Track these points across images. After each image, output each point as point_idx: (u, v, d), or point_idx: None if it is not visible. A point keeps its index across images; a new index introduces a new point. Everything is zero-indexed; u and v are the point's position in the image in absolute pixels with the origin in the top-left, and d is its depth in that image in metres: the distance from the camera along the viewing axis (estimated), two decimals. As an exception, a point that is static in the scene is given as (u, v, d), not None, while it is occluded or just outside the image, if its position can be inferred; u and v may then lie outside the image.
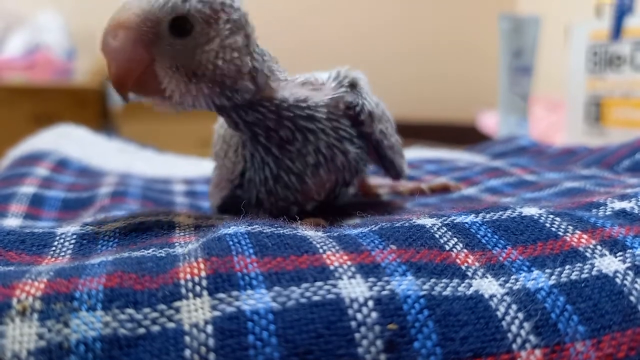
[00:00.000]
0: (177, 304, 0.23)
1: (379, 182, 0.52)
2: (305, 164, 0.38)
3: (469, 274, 0.26)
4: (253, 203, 0.40)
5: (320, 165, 0.38)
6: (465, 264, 0.27)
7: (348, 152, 0.39)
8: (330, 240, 0.28)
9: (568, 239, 0.29)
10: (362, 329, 0.22)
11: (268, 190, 0.39)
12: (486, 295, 0.25)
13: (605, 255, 0.27)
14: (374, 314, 0.23)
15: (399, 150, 0.44)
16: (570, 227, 0.29)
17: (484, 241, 0.29)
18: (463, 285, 0.25)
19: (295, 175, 0.38)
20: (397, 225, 0.30)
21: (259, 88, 0.36)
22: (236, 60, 0.35)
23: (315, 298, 0.23)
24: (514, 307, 0.24)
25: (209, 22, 0.34)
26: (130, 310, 0.22)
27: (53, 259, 0.30)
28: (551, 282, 0.26)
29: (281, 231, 0.29)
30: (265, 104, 0.37)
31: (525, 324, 0.23)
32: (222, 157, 0.42)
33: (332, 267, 0.25)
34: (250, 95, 0.36)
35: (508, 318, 0.23)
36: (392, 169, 0.44)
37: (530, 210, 0.32)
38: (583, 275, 0.26)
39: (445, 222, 0.30)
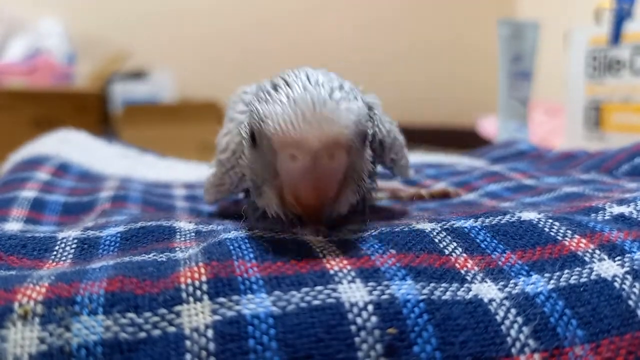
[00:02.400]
0: (177, 308, 0.23)
1: (379, 186, 0.52)
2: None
3: (468, 278, 0.26)
4: (259, 215, 0.40)
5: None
6: (465, 269, 0.27)
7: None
8: (330, 245, 0.28)
9: (567, 243, 0.29)
10: (362, 333, 0.22)
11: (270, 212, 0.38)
12: (485, 300, 0.25)
13: (604, 259, 0.27)
14: (373, 318, 0.23)
15: (406, 166, 0.42)
16: (569, 232, 0.30)
17: (483, 245, 0.29)
18: (462, 289, 0.25)
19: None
20: (396, 229, 0.30)
21: None
22: (371, 161, 0.33)
23: (315, 302, 0.23)
24: (513, 311, 0.24)
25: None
26: (131, 315, 0.23)
27: (54, 264, 0.31)
28: (550, 286, 0.26)
29: (281, 236, 0.29)
30: None
31: (525, 328, 0.23)
32: (228, 168, 0.42)
33: (332, 272, 0.25)
34: None
35: (507, 322, 0.24)
36: (397, 177, 0.43)
37: (529, 215, 0.32)
38: (582, 280, 0.26)
39: (445, 227, 0.30)
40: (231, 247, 0.27)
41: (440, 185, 0.55)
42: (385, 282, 0.25)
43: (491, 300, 0.25)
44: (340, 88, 0.28)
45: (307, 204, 0.28)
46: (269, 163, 0.29)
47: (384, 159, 0.39)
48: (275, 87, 0.28)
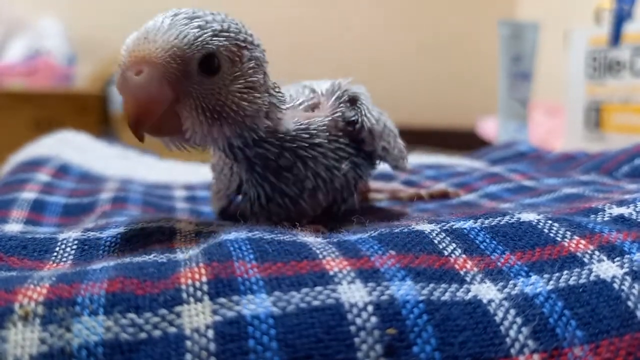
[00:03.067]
0: (178, 308, 0.23)
1: (379, 186, 0.52)
2: (302, 188, 0.37)
3: (468, 279, 0.26)
4: (248, 214, 0.40)
5: (319, 188, 0.38)
6: (464, 269, 0.27)
7: (347, 172, 0.39)
8: (330, 245, 0.28)
9: (566, 244, 0.29)
10: (362, 333, 0.22)
11: (261, 205, 0.38)
12: (485, 300, 0.25)
13: (603, 260, 0.27)
14: (373, 319, 0.23)
15: (402, 156, 0.43)
16: (569, 233, 0.30)
17: (482, 246, 0.29)
18: (462, 290, 0.25)
19: (289, 197, 0.38)
20: (396, 230, 0.30)
21: (272, 123, 0.35)
22: (258, 100, 0.34)
23: (315, 303, 0.23)
24: (512, 312, 0.24)
25: (234, 60, 0.33)
26: (131, 315, 0.23)
27: (55, 265, 0.31)
28: (549, 287, 0.26)
29: (281, 237, 0.29)
30: (269, 140, 0.35)
31: (524, 329, 0.23)
32: (219, 171, 0.42)
33: (331, 273, 0.25)
34: (264, 132, 0.35)
35: (506, 323, 0.24)
36: (394, 169, 0.44)
37: (529, 216, 0.32)
38: (581, 281, 0.26)
39: (444, 228, 0.31)
40: (231, 248, 0.27)
41: (439, 186, 0.55)
42: (385, 283, 0.25)
43: (490, 301, 0.25)
44: (190, 19, 0.31)
45: (127, 116, 0.30)
46: None
47: (375, 147, 0.39)
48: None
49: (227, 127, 0.33)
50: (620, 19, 0.83)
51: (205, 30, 0.31)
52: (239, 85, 0.33)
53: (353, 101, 0.39)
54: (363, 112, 0.39)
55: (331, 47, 1.88)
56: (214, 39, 0.32)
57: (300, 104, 0.38)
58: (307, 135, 0.37)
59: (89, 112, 1.40)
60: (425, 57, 2.03)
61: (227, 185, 0.41)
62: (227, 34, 0.32)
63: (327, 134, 0.37)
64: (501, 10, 1.97)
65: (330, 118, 0.38)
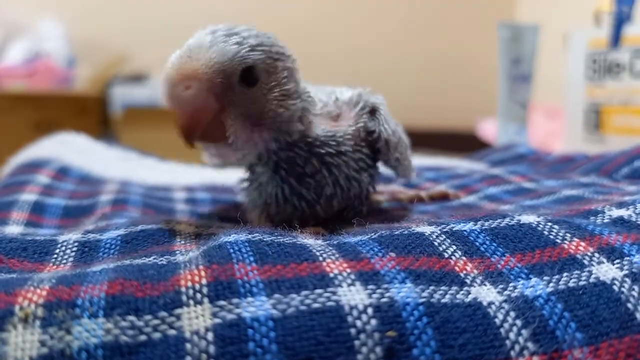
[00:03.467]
0: (178, 311, 0.23)
1: (379, 188, 0.52)
2: (320, 194, 0.39)
3: (468, 281, 0.26)
4: (259, 206, 0.41)
5: (335, 195, 0.39)
6: (464, 272, 0.27)
7: (363, 182, 0.40)
8: (330, 248, 0.28)
9: (566, 246, 0.29)
10: (362, 336, 0.22)
11: (276, 203, 0.40)
12: (485, 303, 0.25)
13: (603, 262, 0.27)
14: (373, 321, 0.23)
15: (410, 168, 0.45)
16: (568, 235, 0.30)
17: (482, 249, 0.29)
18: (462, 292, 0.25)
19: (306, 201, 0.39)
20: (396, 233, 0.30)
21: (304, 127, 0.37)
22: (292, 106, 0.36)
23: (315, 305, 0.23)
24: (512, 314, 0.24)
25: (269, 71, 0.35)
26: (131, 318, 0.23)
27: (55, 267, 0.31)
28: (549, 289, 0.26)
29: (281, 239, 0.29)
30: (299, 144, 0.37)
31: (524, 331, 0.23)
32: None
33: (331, 275, 0.25)
34: (297, 135, 0.37)
35: (506, 325, 0.24)
36: (400, 177, 0.45)
37: (529, 218, 0.32)
38: (581, 283, 0.26)
39: (444, 230, 0.31)
40: (231, 250, 0.27)
41: (439, 188, 0.55)
42: (385, 285, 0.25)
43: (490, 303, 0.25)
44: (228, 36, 0.34)
45: (179, 126, 0.34)
46: None
47: (389, 157, 0.41)
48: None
49: (266, 132, 0.36)
50: (620, 21, 0.83)
51: (243, 46, 0.34)
52: (275, 94, 0.36)
53: (373, 111, 0.41)
54: (381, 123, 0.41)
55: (332, 51, 1.88)
56: (251, 53, 0.34)
57: (328, 113, 0.40)
58: (334, 143, 0.38)
59: (89, 114, 1.40)
60: (425, 59, 2.03)
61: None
62: (262, 47, 0.35)
63: (352, 143, 0.39)
64: (501, 12, 1.97)
65: (354, 128, 0.40)
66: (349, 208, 0.42)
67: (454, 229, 0.31)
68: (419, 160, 0.70)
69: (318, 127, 0.38)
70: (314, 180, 0.39)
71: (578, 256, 0.28)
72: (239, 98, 0.35)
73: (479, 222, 0.32)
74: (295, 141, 0.37)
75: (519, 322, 0.24)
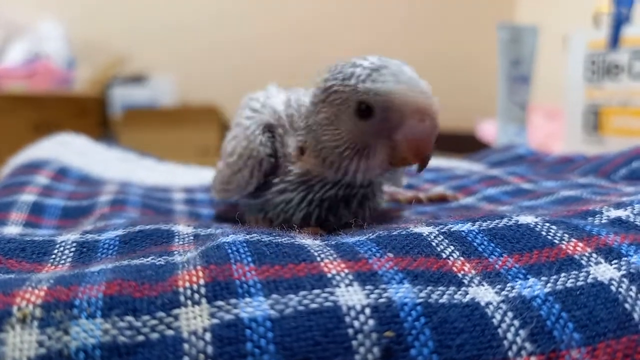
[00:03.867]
0: (175, 311, 0.23)
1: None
2: (338, 220, 0.40)
3: (466, 281, 0.26)
4: (261, 218, 0.41)
5: (349, 221, 0.40)
6: (462, 272, 0.27)
7: (378, 205, 0.42)
8: (328, 248, 0.28)
9: (564, 247, 0.29)
10: (359, 336, 0.22)
11: (285, 219, 0.40)
12: (482, 303, 0.25)
13: (601, 263, 0.27)
14: (371, 322, 0.23)
15: (401, 176, 0.46)
16: (566, 235, 0.30)
17: (480, 249, 0.29)
18: (459, 293, 0.25)
19: (320, 220, 0.40)
20: (394, 233, 0.30)
21: None
22: None
23: (313, 306, 0.23)
24: (510, 314, 0.24)
25: None
26: (129, 318, 0.23)
27: (53, 267, 0.31)
28: (547, 289, 0.26)
29: (279, 240, 0.29)
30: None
31: (521, 332, 0.23)
32: (236, 170, 0.43)
33: (329, 275, 0.25)
34: None
35: (504, 325, 0.24)
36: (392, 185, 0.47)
37: (527, 219, 0.32)
38: (578, 283, 0.26)
39: (442, 231, 0.31)
40: (229, 251, 0.27)
41: (438, 189, 0.55)
42: (383, 286, 0.25)
43: (488, 304, 0.25)
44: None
45: (426, 154, 0.35)
46: (382, 129, 0.35)
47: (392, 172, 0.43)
48: (371, 70, 0.35)
49: None
50: (619, 22, 0.83)
51: None
52: None
53: None
54: None
55: (330, 52, 1.88)
56: None
57: None
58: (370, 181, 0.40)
59: (88, 115, 1.40)
60: (424, 60, 2.03)
61: (243, 186, 0.42)
62: None
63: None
64: (500, 13, 1.98)
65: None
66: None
67: (452, 230, 0.31)
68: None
69: None
70: (343, 208, 0.40)
71: (576, 257, 0.28)
72: None
73: (477, 223, 0.32)
74: None
75: (516, 323, 0.24)
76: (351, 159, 0.37)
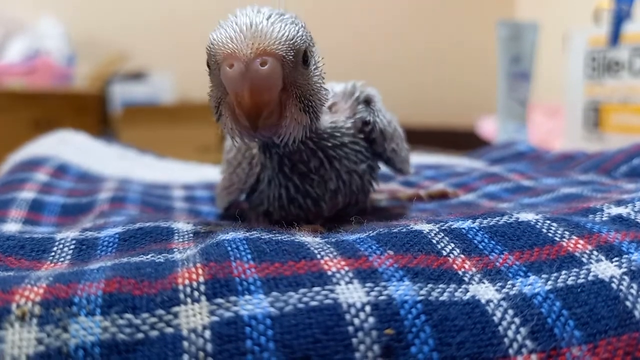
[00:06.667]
0: (175, 309, 0.23)
1: (378, 188, 0.52)
2: (325, 190, 0.39)
3: (466, 279, 0.26)
4: (261, 212, 0.41)
5: (339, 190, 0.39)
6: (462, 270, 0.27)
7: (364, 174, 0.40)
8: (328, 245, 0.28)
9: (564, 244, 0.29)
10: (360, 334, 0.22)
11: (280, 206, 0.39)
12: (483, 301, 0.25)
13: (602, 260, 0.27)
14: (371, 319, 0.23)
15: (407, 160, 0.45)
16: (567, 233, 0.30)
17: (480, 247, 0.29)
18: (460, 290, 0.25)
19: (312, 199, 0.39)
20: (394, 230, 0.30)
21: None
22: (324, 90, 0.36)
23: (313, 303, 0.23)
24: (511, 312, 0.24)
25: (313, 53, 0.35)
26: (128, 316, 0.23)
27: (52, 264, 0.31)
28: (547, 287, 0.26)
29: (279, 237, 0.29)
30: (309, 135, 0.36)
31: (522, 329, 0.23)
32: (235, 165, 0.42)
33: (329, 273, 0.25)
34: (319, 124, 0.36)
35: (504, 323, 0.24)
36: (398, 172, 0.45)
37: (527, 216, 0.32)
38: (579, 281, 0.26)
39: (443, 228, 0.30)
40: (229, 248, 0.27)
41: (438, 186, 0.55)
42: (383, 283, 0.25)
43: (488, 301, 0.25)
44: (280, 16, 0.32)
45: (248, 107, 0.31)
46: (220, 82, 0.32)
47: (385, 148, 0.41)
48: (227, 19, 0.32)
49: (310, 116, 0.34)
50: (619, 19, 0.83)
51: (300, 26, 0.33)
52: (316, 78, 0.35)
53: (367, 102, 0.41)
54: (376, 114, 0.40)
55: (331, 48, 1.88)
56: (306, 33, 0.34)
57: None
58: (338, 134, 0.38)
59: (88, 112, 1.40)
60: (425, 57, 2.03)
61: (243, 180, 0.41)
62: (307, 30, 0.34)
63: (352, 134, 0.39)
64: (500, 10, 1.97)
65: (353, 120, 0.39)
66: (352, 204, 0.41)
67: (452, 227, 0.31)
68: (419, 158, 0.70)
69: (324, 120, 0.38)
70: (318, 176, 0.38)
71: (577, 254, 0.28)
72: (299, 78, 0.33)
73: (478, 220, 0.31)
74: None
75: (517, 320, 0.24)
76: (224, 122, 0.33)
